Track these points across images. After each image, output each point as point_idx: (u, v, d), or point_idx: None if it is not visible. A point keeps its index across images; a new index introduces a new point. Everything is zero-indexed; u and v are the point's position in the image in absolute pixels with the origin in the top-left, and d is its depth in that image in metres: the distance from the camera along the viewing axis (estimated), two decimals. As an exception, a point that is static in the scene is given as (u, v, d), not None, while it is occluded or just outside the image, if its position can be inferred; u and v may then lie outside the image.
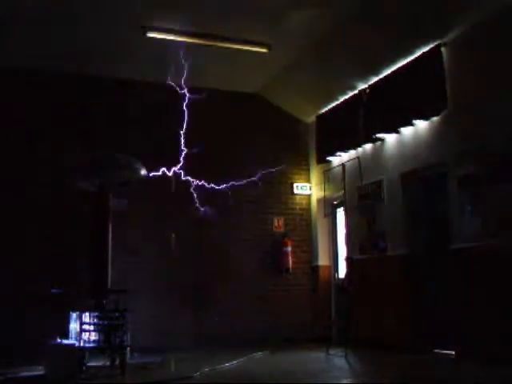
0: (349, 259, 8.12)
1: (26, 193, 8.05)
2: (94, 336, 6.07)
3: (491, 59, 6.28)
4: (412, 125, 7.45)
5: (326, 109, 9.39)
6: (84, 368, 5.95)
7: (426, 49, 7.11)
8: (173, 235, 8.17)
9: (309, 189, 9.94)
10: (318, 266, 9.63)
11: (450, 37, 6.83)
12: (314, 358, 7.33)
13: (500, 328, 5.95)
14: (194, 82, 7.87)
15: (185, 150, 7.55)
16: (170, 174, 7.41)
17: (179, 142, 7.59)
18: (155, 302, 8.42)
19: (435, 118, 7.08)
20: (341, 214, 9.25)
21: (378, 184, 8.14)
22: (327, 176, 8.77)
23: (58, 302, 6.31)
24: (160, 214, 8.73)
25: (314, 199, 9.88)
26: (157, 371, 6.33)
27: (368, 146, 8.43)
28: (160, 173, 7.38)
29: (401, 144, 7.79)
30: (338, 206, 9.44)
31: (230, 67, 8.56)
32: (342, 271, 9.23)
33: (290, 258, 9.40)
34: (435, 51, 6.97)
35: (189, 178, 7.67)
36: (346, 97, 8.81)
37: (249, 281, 9.19)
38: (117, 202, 7.08)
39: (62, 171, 7.70)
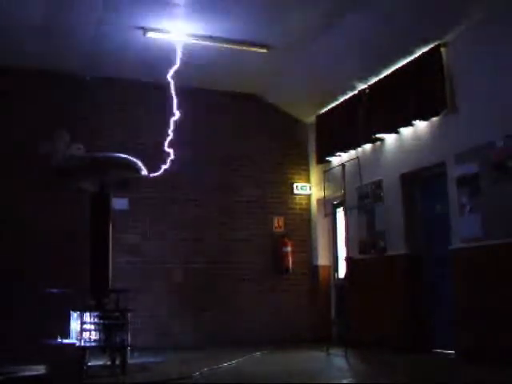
0: (349, 259, 8.12)
1: (26, 192, 8.04)
2: (94, 336, 6.06)
3: (491, 59, 6.28)
4: (412, 125, 7.45)
5: (326, 109, 9.39)
6: (84, 367, 5.94)
7: (426, 49, 7.11)
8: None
9: (309, 189, 9.94)
10: (317, 266, 9.64)
11: (450, 37, 6.83)
12: (314, 358, 7.33)
13: (500, 328, 5.95)
14: (194, 83, 7.89)
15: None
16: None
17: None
18: (155, 302, 8.43)
19: (435, 118, 7.08)
20: (341, 214, 9.25)
21: (378, 184, 8.13)
22: (327, 176, 8.76)
23: (59, 302, 6.30)
24: (160, 214, 8.75)
25: (313, 199, 9.87)
26: (157, 371, 6.32)
27: (368, 146, 8.43)
28: (160, 172, 7.39)
29: (400, 144, 7.79)
30: (338, 206, 9.45)
31: (230, 67, 8.55)
32: (342, 271, 9.24)
33: (290, 258, 9.39)
34: (435, 51, 6.97)
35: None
36: (346, 97, 8.80)
37: (249, 281, 9.19)
38: (117, 202, 7.08)
39: (62, 171, 7.69)
